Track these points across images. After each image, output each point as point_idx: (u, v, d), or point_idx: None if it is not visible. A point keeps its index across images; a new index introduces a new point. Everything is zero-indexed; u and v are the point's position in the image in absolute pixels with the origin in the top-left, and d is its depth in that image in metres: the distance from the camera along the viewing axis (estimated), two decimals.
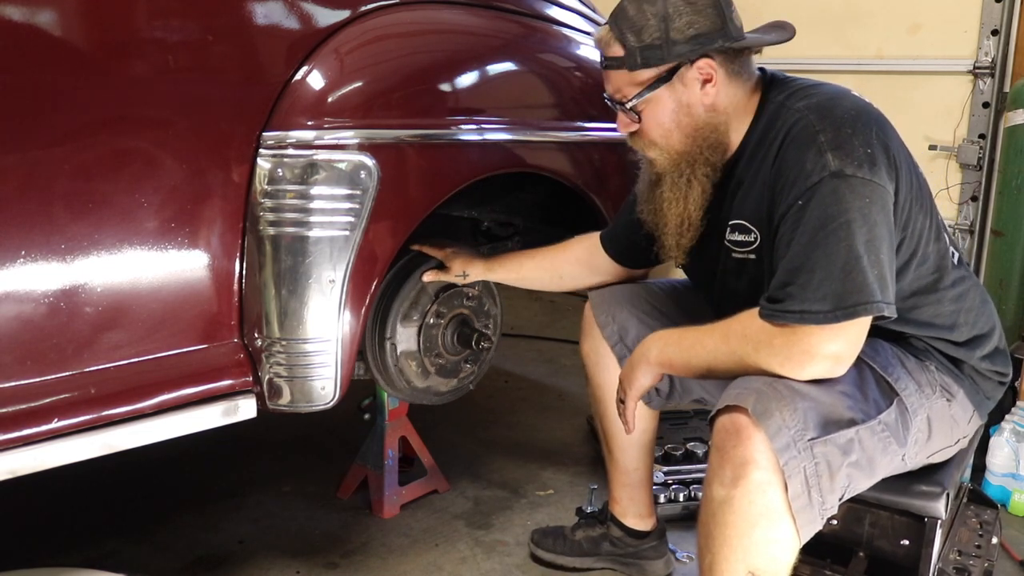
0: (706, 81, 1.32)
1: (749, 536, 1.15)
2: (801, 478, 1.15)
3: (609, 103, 1.41)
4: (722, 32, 1.30)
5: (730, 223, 1.38)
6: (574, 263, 1.73)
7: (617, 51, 1.34)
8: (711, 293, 1.51)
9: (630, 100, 1.35)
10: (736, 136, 1.38)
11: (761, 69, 1.41)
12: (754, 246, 1.35)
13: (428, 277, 1.71)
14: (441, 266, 1.72)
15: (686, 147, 1.36)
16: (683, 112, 1.34)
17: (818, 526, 1.19)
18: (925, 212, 1.31)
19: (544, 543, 1.85)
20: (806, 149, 1.22)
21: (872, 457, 1.22)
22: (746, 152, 1.36)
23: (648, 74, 1.33)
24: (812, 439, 1.15)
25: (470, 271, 1.71)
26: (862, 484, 1.24)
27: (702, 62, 1.31)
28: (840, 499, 1.21)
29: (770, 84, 1.38)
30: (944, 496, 1.33)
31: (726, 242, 1.39)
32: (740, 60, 1.35)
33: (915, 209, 1.29)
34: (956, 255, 1.40)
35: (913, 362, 1.34)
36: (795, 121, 1.27)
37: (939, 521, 1.34)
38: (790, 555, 1.18)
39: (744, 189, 1.35)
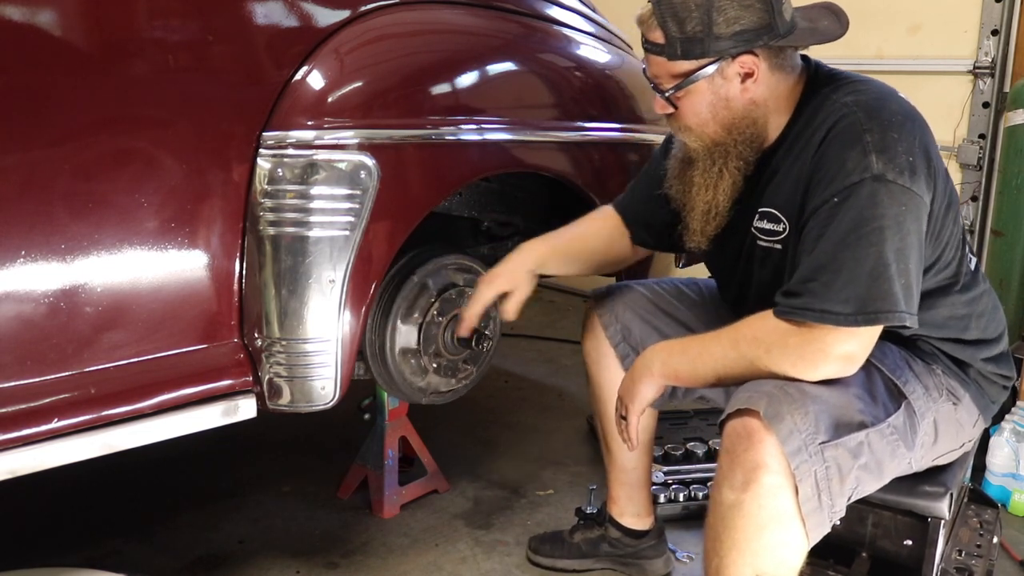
0: (747, 76, 1.29)
1: (758, 540, 1.15)
2: (812, 481, 1.14)
3: (649, 84, 1.37)
4: (768, 28, 1.25)
5: (760, 210, 1.36)
6: (594, 261, 1.65)
7: (658, 37, 1.29)
8: (731, 281, 1.49)
9: (667, 90, 1.31)
10: (775, 127, 1.35)
11: (805, 58, 1.38)
12: (782, 236, 1.33)
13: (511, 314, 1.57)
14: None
15: (721, 138, 1.33)
16: (721, 105, 1.31)
17: (827, 529, 1.19)
18: (953, 219, 1.31)
19: (542, 549, 1.85)
20: (851, 147, 1.20)
21: (881, 460, 1.22)
22: (786, 142, 1.34)
23: (687, 66, 1.28)
24: (823, 442, 1.15)
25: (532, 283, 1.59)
26: (870, 487, 1.25)
27: (744, 57, 1.27)
28: (848, 500, 1.21)
29: (815, 75, 1.35)
30: (948, 496, 1.33)
31: (753, 228, 1.37)
32: (785, 53, 1.31)
33: (948, 217, 1.29)
34: (973, 261, 1.40)
35: (920, 365, 1.34)
36: (842, 116, 1.24)
37: (942, 521, 1.34)
38: (798, 559, 1.18)
39: (779, 178, 1.33)
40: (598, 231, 1.65)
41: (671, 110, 1.35)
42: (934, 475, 1.37)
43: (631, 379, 1.38)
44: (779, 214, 1.33)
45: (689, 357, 1.32)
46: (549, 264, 1.59)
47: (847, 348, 1.19)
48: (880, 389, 1.27)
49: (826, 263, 1.18)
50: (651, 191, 1.56)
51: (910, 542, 1.37)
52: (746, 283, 1.44)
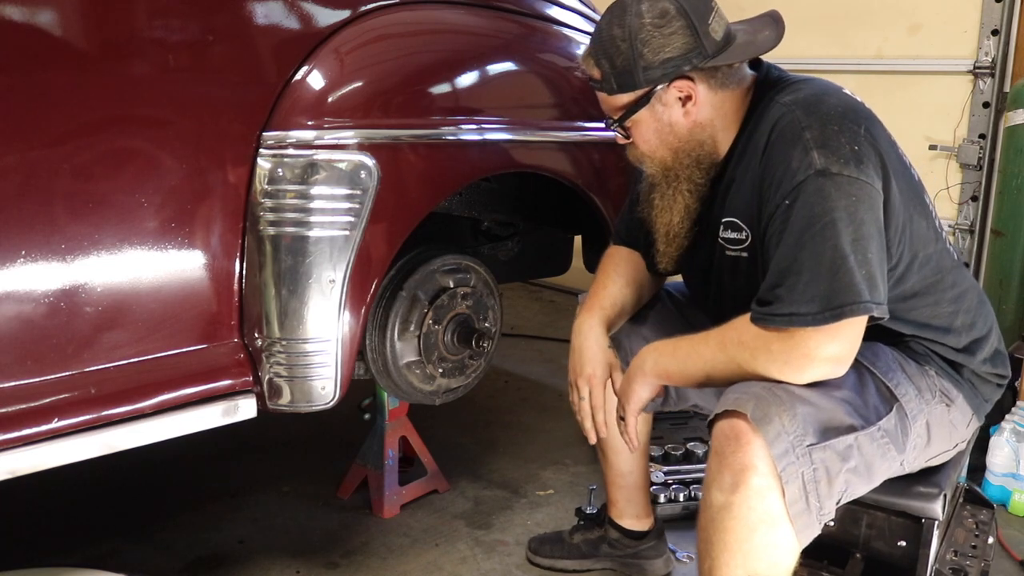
0: (687, 99, 1.31)
1: (749, 541, 1.15)
2: (799, 484, 1.14)
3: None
4: (696, 51, 1.27)
5: (723, 220, 1.37)
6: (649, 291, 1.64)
7: (596, 73, 1.34)
8: (707, 293, 1.50)
9: (614, 122, 1.36)
10: (726, 140, 1.36)
11: (757, 63, 1.39)
12: (746, 244, 1.34)
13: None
14: None
15: (671, 162, 1.37)
16: (666, 131, 1.34)
17: (816, 531, 1.19)
18: (922, 213, 1.31)
19: (542, 550, 1.85)
20: (792, 147, 1.21)
21: (870, 463, 1.22)
22: (737, 150, 1.35)
23: (625, 98, 1.32)
24: (811, 445, 1.15)
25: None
26: (860, 490, 1.24)
27: (679, 83, 1.29)
28: (837, 504, 1.21)
29: (764, 81, 1.37)
30: (941, 497, 1.33)
31: (719, 240, 1.38)
32: (722, 71, 1.32)
33: (912, 210, 1.28)
34: (955, 255, 1.39)
35: (913, 367, 1.34)
36: (781, 116, 1.25)
37: (936, 522, 1.34)
38: (790, 560, 1.17)
39: (735, 187, 1.35)
40: (632, 272, 1.61)
41: (627, 140, 1.39)
42: (927, 476, 1.37)
43: (627, 380, 1.40)
44: (740, 222, 1.34)
45: (679, 358, 1.33)
46: (613, 327, 1.58)
47: (830, 350, 1.18)
48: (871, 392, 1.27)
49: (788, 266, 1.19)
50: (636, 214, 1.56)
51: (904, 543, 1.38)
52: (721, 293, 1.45)
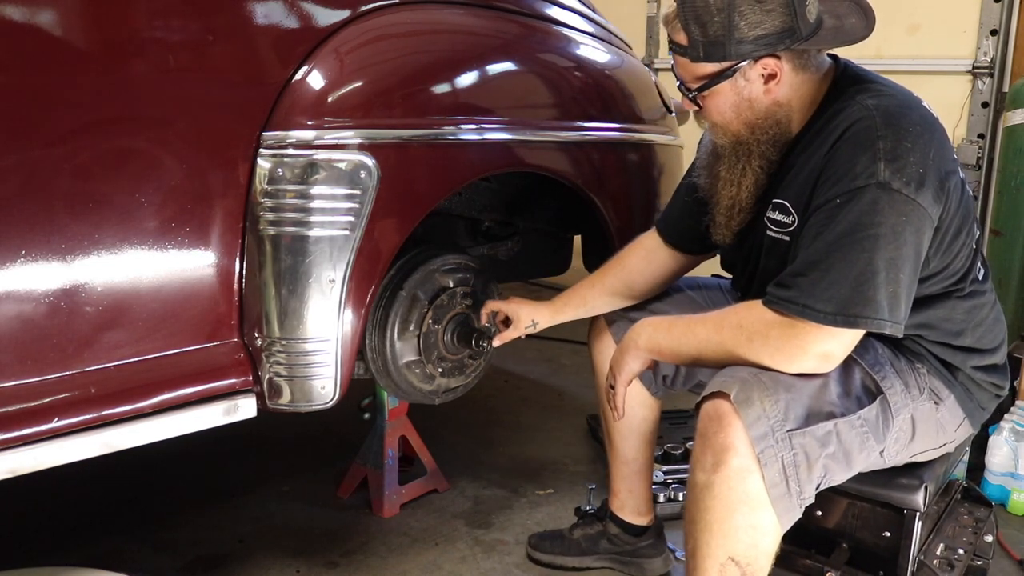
0: (770, 77, 1.30)
1: (729, 522, 1.17)
2: (778, 467, 1.16)
3: (676, 82, 1.39)
4: (790, 32, 1.25)
5: (774, 200, 1.36)
6: (638, 275, 1.66)
7: (681, 39, 1.30)
8: (744, 271, 1.50)
9: (691, 91, 1.33)
10: (798, 122, 1.36)
11: (834, 56, 1.39)
12: (790, 228, 1.33)
13: (496, 342, 1.70)
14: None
15: (745, 137, 1.35)
16: (744, 106, 1.32)
17: (796, 515, 1.20)
18: (967, 231, 1.32)
19: (541, 546, 1.85)
20: (862, 151, 1.21)
21: (849, 451, 1.24)
22: (806, 137, 1.34)
23: (709, 68, 1.30)
24: (791, 430, 1.17)
25: (539, 319, 1.68)
26: (839, 476, 1.26)
27: (766, 60, 1.28)
28: (817, 488, 1.23)
29: (843, 73, 1.35)
30: (922, 489, 1.35)
31: (765, 218, 1.38)
32: (809, 54, 1.31)
33: (962, 232, 1.29)
34: (983, 271, 1.40)
35: (903, 362, 1.35)
36: (860, 118, 1.24)
37: (918, 513, 1.36)
38: (771, 543, 1.19)
39: (795, 172, 1.34)
40: (633, 255, 1.67)
41: (696, 108, 1.38)
42: (911, 469, 1.40)
43: (620, 351, 1.42)
44: (790, 207, 1.33)
45: (673, 335, 1.35)
46: (574, 308, 1.69)
47: (826, 347, 1.21)
48: (856, 382, 1.28)
49: (818, 260, 1.20)
50: (684, 197, 1.59)
51: (888, 533, 1.40)
52: (755, 272, 1.45)
